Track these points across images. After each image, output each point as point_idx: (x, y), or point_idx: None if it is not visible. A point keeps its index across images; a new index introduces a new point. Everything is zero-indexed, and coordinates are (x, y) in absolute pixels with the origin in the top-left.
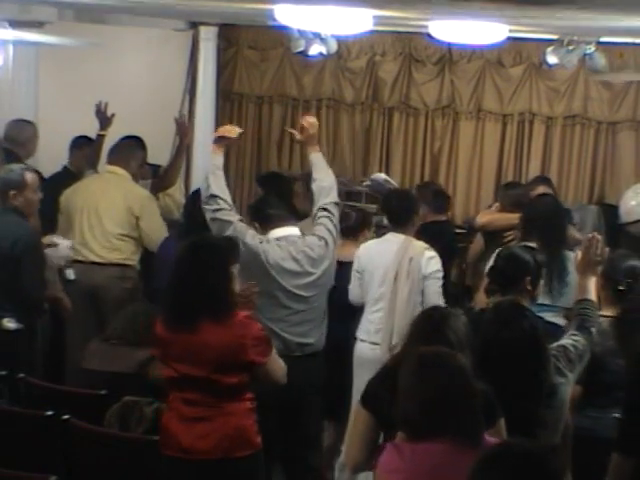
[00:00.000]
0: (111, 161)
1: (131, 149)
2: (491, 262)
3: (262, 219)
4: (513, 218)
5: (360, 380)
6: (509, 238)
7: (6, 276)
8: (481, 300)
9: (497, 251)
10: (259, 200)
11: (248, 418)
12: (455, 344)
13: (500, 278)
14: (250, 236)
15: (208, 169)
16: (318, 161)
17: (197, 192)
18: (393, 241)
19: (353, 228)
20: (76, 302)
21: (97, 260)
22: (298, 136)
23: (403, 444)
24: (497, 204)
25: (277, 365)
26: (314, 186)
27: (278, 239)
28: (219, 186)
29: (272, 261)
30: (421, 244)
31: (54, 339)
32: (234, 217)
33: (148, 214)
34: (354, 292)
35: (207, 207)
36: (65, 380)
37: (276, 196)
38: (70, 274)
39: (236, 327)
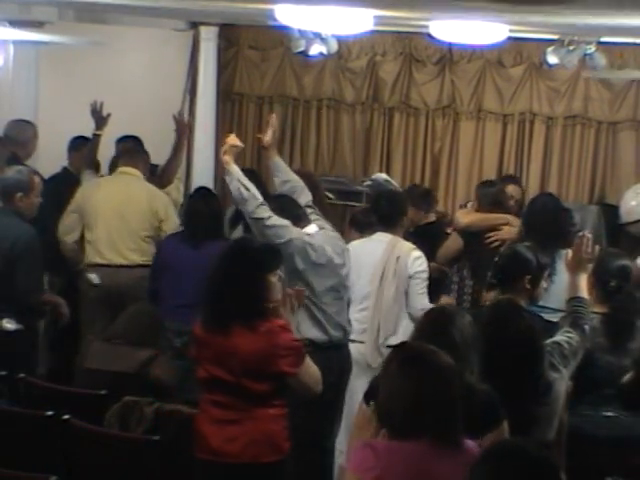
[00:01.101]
0: (125, 162)
1: (141, 150)
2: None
3: (294, 218)
4: (499, 219)
5: None
6: (492, 239)
7: (5, 277)
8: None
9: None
10: (288, 201)
11: (277, 424)
12: (460, 344)
13: (500, 274)
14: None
15: (235, 183)
16: (282, 164)
17: (200, 190)
18: (381, 241)
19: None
20: (101, 305)
21: (124, 262)
22: (267, 137)
23: (378, 443)
24: (472, 203)
25: (310, 375)
26: (287, 187)
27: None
28: (257, 193)
29: (329, 256)
30: (408, 244)
31: (58, 340)
32: (285, 220)
33: (171, 217)
34: None
35: (258, 216)
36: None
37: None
38: (95, 278)
39: (267, 335)
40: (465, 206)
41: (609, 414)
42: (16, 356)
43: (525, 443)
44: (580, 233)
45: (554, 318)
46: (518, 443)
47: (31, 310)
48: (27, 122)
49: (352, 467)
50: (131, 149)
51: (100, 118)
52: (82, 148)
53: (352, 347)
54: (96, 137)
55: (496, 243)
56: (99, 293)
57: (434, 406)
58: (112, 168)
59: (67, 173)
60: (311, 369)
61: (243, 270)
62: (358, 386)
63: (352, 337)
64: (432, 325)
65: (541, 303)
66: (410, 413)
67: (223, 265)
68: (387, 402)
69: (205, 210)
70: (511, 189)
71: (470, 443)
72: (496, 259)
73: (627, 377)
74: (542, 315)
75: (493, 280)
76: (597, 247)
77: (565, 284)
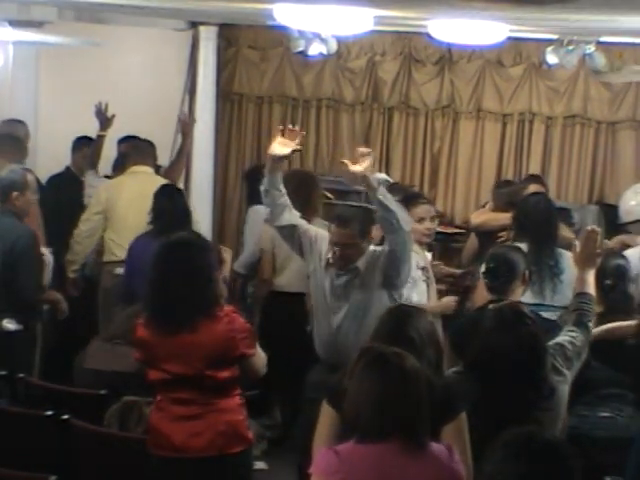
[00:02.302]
0: (136, 161)
1: (152, 149)
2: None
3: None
4: (507, 218)
5: None
6: (503, 238)
7: (5, 277)
8: (478, 299)
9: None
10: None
11: (239, 414)
12: (418, 342)
13: (492, 279)
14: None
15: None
16: None
17: (166, 187)
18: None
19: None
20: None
21: None
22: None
23: (341, 447)
24: (490, 204)
25: (259, 357)
26: (283, 200)
27: None
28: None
29: None
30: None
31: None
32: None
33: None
34: None
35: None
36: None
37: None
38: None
39: (224, 322)
40: (484, 207)
41: (606, 414)
42: (16, 356)
43: (543, 432)
44: (588, 227)
45: (551, 316)
46: (537, 432)
47: (31, 310)
48: (19, 122)
49: (316, 471)
50: (140, 147)
51: (105, 119)
52: (85, 148)
53: None
54: (100, 138)
55: (508, 242)
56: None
57: (398, 408)
58: (119, 167)
59: (69, 173)
60: (261, 352)
61: (190, 261)
62: None
63: None
64: (390, 322)
65: (548, 302)
66: (375, 415)
67: (166, 262)
68: (353, 404)
69: (171, 207)
70: (534, 188)
71: (437, 445)
72: (488, 263)
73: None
74: (549, 314)
75: (487, 283)
76: (606, 241)
77: (572, 282)
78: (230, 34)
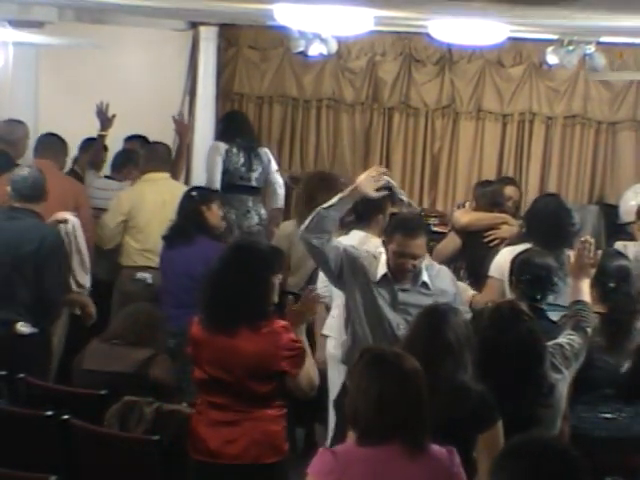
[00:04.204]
0: (155, 167)
1: (168, 153)
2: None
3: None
4: (497, 218)
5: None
6: (489, 238)
7: (26, 278)
8: (484, 298)
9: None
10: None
11: (277, 424)
12: (454, 343)
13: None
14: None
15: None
16: None
17: (191, 190)
18: (353, 238)
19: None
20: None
21: None
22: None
23: (338, 448)
24: (469, 202)
25: (308, 378)
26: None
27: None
28: None
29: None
30: (376, 242)
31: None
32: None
33: None
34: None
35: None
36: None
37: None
38: (148, 278)
39: (270, 336)
40: (463, 206)
41: (607, 415)
42: (30, 360)
43: (547, 438)
44: (582, 238)
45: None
46: (541, 438)
47: (51, 311)
48: (19, 122)
49: (312, 471)
50: (157, 152)
51: (105, 119)
52: (89, 150)
53: (329, 343)
54: (101, 138)
55: (496, 242)
56: (151, 293)
57: (396, 409)
58: (121, 168)
59: (74, 174)
60: (310, 372)
61: (251, 272)
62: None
63: (329, 333)
64: (426, 324)
65: (552, 301)
66: (373, 415)
67: (229, 266)
68: (352, 404)
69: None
70: (509, 190)
71: (438, 448)
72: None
73: (626, 367)
74: (555, 314)
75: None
76: (599, 252)
77: None
78: (230, 34)
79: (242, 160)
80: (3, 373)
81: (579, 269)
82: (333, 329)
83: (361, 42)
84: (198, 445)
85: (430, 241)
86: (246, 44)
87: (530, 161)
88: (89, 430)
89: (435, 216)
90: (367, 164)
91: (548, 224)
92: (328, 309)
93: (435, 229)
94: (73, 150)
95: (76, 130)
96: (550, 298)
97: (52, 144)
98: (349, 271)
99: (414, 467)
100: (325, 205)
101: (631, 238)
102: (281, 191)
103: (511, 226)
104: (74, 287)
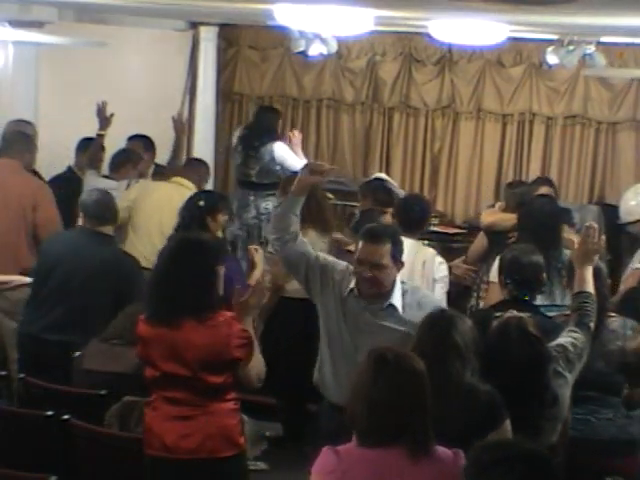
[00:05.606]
0: (185, 174)
1: (205, 169)
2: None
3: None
4: (516, 218)
5: None
6: (513, 239)
7: (113, 305)
8: (492, 298)
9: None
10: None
11: (232, 418)
12: (462, 347)
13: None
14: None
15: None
16: None
17: (199, 198)
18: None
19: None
20: None
21: None
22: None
23: (341, 447)
24: (500, 203)
25: (256, 367)
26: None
27: None
28: None
29: None
30: (431, 250)
31: None
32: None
33: None
34: None
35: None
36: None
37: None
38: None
39: (220, 326)
40: (493, 206)
41: (605, 416)
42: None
43: (523, 443)
44: (587, 223)
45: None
46: (515, 443)
47: None
48: (27, 122)
49: (314, 469)
50: (192, 166)
51: (104, 118)
52: (87, 149)
53: None
54: (100, 137)
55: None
56: None
57: (396, 410)
58: (120, 167)
59: (71, 173)
60: (259, 363)
61: (194, 263)
62: None
63: None
64: (435, 328)
65: (558, 302)
66: (371, 416)
67: (170, 259)
68: (351, 405)
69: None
70: (544, 190)
71: (443, 450)
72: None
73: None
74: (559, 313)
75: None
76: (603, 237)
77: None
78: (230, 34)
79: (241, 159)
80: (3, 373)
81: (583, 255)
82: None
83: (361, 42)
84: (153, 441)
85: (429, 240)
86: (246, 44)
87: (530, 161)
88: (89, 430)
89: (435, 216)
90: (367, 164)
91: (542, 227)
92: None
93: (435, 229)
94: (73, 150)
95: (76, 130)
96: (541, 298)
97: (16, 142)
98: (317, 281)
99: (417, 470)
100: (279, 209)
101: (632, 238)
102: None
103: None
104: None
